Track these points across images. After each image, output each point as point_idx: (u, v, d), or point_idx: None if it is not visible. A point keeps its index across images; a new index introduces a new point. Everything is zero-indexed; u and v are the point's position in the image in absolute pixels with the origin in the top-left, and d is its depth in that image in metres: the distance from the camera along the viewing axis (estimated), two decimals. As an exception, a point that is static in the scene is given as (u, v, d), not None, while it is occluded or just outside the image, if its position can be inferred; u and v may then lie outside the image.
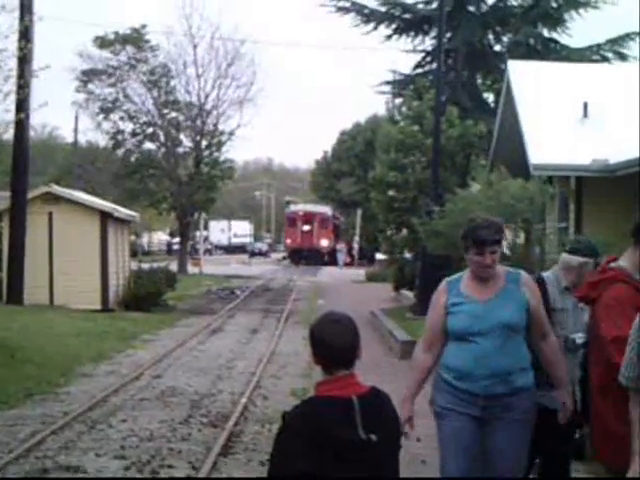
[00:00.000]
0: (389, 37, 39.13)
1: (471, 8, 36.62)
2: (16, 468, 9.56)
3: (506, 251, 22.40)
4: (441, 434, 6.22)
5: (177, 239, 67.25)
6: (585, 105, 23.29)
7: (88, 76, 55.29)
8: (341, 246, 73.01)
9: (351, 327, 4.32)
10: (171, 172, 55.14)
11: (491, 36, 38.27)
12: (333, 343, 4.25)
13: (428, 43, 38.71)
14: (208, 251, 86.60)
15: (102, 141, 59.95)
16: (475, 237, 5.94)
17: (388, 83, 40.72)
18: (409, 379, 6.29)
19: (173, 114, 56.85)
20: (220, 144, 57.16)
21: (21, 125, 26.46)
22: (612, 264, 5.63)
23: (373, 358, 18.16)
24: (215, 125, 57.41)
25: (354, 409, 4.14)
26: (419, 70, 39.07)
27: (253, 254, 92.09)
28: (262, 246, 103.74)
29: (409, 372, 6.18)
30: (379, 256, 56.83)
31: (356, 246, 74.15)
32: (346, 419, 4.12)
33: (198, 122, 56.67)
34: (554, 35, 38.22)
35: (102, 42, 54.49)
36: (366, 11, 38.75)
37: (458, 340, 6.02)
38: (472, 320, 5.94)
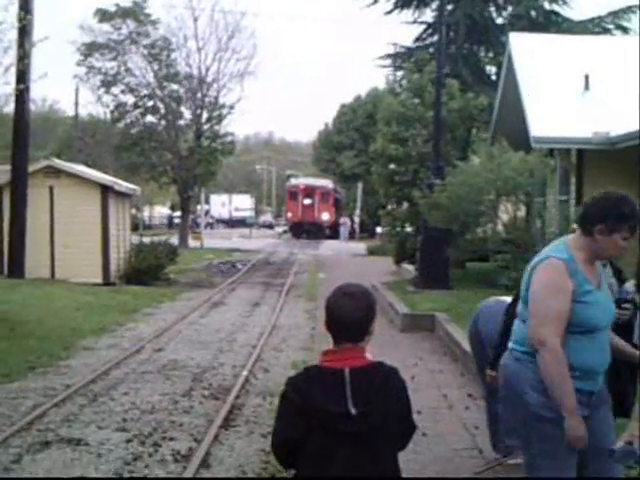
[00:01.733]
0: (390, 10, 39.02)
1: (473, -20, 36.47)
2: (18, 441, 9.59)
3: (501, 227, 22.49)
4: (561, 444, 5.16)
5: (178, 213, 67.22)
6: (586, 78, 23.27)
7: (89, 49, 55.13)
8: (344, 220, 72.96)
9: (365, 301, 4.31)
10: (172, 145, 55.08)
11: (492, 9, 38.15)
12: (342, 316, 4.26)
13: (429, 15, 38.60)
14: (209, 225, 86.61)
15: (103, 114, 59.92)
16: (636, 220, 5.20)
17: (389, 56, 40.61)
18: (565, 384, 5.10)
19: (174, 87, 56.71)
20: (221, 117, 57.03)
21: (21, 98, 26.40)
22: None
23: (374, 331, 18.19)
24: (216, 98, 57.28)
25: (344, 382, 4.14)
26: (420, 43, 38.97)
27: (263, 226, 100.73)
28: (268, 219, 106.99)
29: (560, 371, 5.08)
30: (380, 230, 56.86)
31: (357, 220, 74.15)
32: (335, 391, 4.13)
33: (199, 95, 56.55)
34: (555, 7, 38.12)
35: (103, 15, 54.32)
36: (367, -16, 38.62)
37: (581, 334, 5.21)
38: (604, 313, 5.27)
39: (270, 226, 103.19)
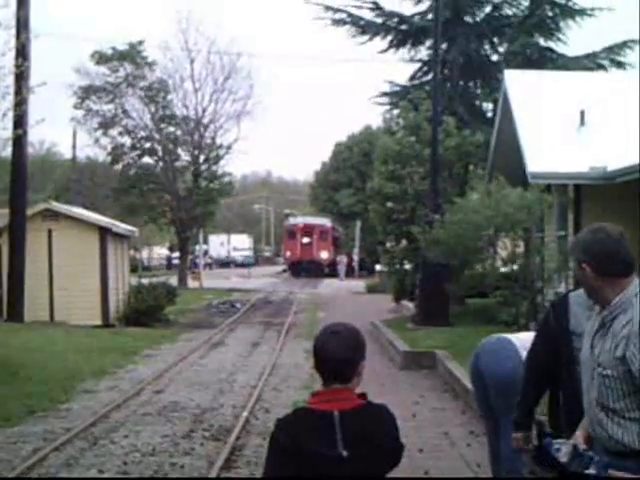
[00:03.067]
0: (385, 49, 39.18)
1: (467, 18, 36.67)
2: (18, 485, 9.55)
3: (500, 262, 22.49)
4: None
5: (177, 253, 67.21)
6: (582, 113, 23.33)
7: (86, 92, 55.32)
8: (340, 258, 72.96)
9: (351, 341, 4.21)
10: (170, 186, 55.17)
11: (487, 46, 38.30)
12: (327, 355, 4.18)
13: (424, 54, 38.75)
14: (208, 265, 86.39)
15: (100, 156, 60.04)
16: None
17: (385, 94, 40.73)
18: None
19: (171, 129, 56.89)
20: (218, 158, 57.21)
21: (19, 142, 26.46)
22: None
23: (374, 369, 18.15)
24: (213, 139, 57.48)
25: (334, 424, 4.07)
26: (415, 81, 39.09)
27: (243, 265, 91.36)
28: (242, 258, 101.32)
29: None
30: (379, 267, 56.83)
31: (356, 258, 74.11)
32: (324, 434, 4.06)
33: (196, 136, 56.71)
34: (550, 44, 38.26)
35: (100, 57, 54.56)
36: (362, 23, 38.75)
37: None
38: None
39: (246, 264, 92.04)
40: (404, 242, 31.86)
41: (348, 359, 4.18)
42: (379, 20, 38.49)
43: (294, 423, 4.16)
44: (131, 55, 54.95)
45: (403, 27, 38.43)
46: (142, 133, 56.14)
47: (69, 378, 17.10)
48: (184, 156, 57.49)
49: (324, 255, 75.86)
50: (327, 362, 4.20)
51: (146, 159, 56.81)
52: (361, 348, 4.25)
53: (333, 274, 71.74)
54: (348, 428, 4.07)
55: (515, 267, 21.26)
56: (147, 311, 29.36)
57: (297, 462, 4.05)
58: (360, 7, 38.19)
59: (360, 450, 4.07)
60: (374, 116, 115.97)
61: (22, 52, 25.06)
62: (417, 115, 31.48)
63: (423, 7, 37.05)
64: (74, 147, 62.78)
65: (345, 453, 4.04)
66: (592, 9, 36.73)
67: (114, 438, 11.96)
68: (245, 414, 13.42)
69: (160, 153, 56.17)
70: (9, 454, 11.05)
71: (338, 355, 4.16)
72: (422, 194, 29.24)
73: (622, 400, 4.46)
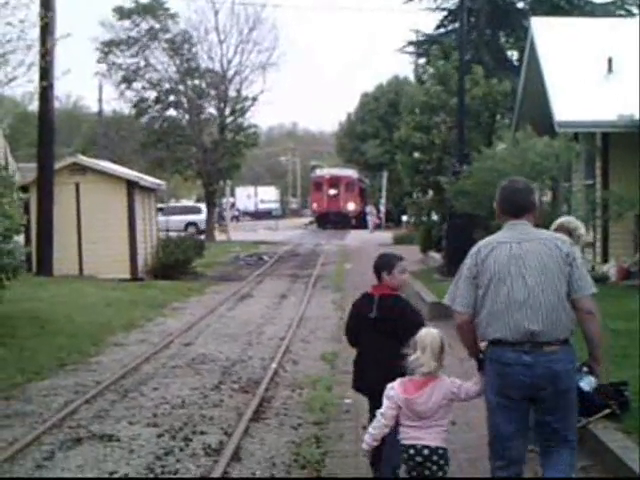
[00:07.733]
0: (411, -2, 38.88)
1: (493, -35, 36.30)
2: (50, 438, 9.65)
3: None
4: None
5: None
6: (610, 60, 23.10)
7: (109, 47, 55.24)
8: (370, 209, 72.56)
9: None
10: (195, 139, 55.09)
11: (514, -7, 37.96)
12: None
13: (450, 2, 38.44)
14: (235, 217, 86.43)
15: (127, 110, 59.97)
16: None
17: (411, 44, 40.47)
18: None
19: (196, 81, 56.70)
20: (243, 110, 56.99)
21: (45, 96, 26.51)
22: None
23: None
24: (238, 91, 57.23)
25: (374, 301, 7.53)
26: (441, 30, 38.83)
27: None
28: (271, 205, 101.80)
29: None
30: (406, 218, 56.70)
31: (383, 209, 73.89)
32: (369, 305, 7.57)
33: (221, 88, 56.50)
34: (577, -10, 37.87)
35: (121, 13, 54.41)
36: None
37: None
38: None
39: (269, 213, 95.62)
40: (431, 193, 31.78)
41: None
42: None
43: (359, 299, 7.83)
44: (153, 8, 54.68)
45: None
46: (167, 86, 56.01)
47: (99, 331, 17.24)
48: (209, 109, 57.38)
49: (351, 207, 75.65)
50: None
51: (171, 112, 56.75)
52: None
53: (360, 226, 71.53)
54: (381, 304, 7.50)
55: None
56: (175, 264, 29.47)
57: (357, 319, 7.74)
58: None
59: (384, 315, 7.44)
60: (402, 66, 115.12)
61: (46, 4, 25.04)
62: (446, 64, 31.20)
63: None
64: (100, 101, 62.88)
65: (374, 314, 7.49)
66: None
67: (144, 390, 12.08)
68: (274, 366, 13.50)
69: (185, 106, 56.07)
70: (41, 407, 11.18)
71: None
72: (449, 144, 29.11)
73: None
